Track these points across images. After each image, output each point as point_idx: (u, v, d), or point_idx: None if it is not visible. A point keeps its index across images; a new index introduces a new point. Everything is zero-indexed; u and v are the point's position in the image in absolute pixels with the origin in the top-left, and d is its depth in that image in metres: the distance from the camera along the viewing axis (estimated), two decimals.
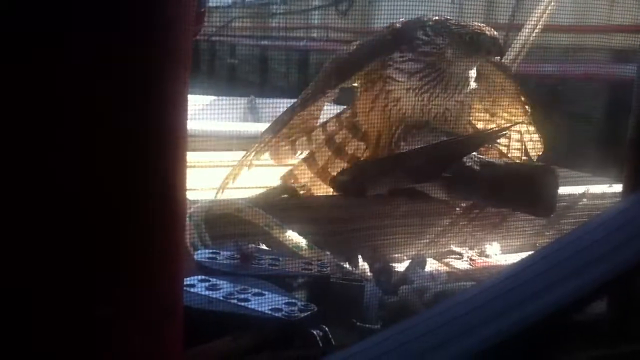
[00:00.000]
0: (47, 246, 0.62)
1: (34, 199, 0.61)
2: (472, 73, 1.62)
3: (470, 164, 1.50)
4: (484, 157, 1.56)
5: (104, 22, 0.62)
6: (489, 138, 1.65)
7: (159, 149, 0.67)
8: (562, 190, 1.70)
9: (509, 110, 1.78)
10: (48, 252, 0.62)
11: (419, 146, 1.57)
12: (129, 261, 0.67)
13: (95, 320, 0.65)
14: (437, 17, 1.59)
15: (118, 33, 0.63)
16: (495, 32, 1.55)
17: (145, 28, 0.64)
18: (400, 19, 1.63)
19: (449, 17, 1.59)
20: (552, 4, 2.02)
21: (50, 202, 0.62)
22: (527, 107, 1.76)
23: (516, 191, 1.52)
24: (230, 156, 1.76)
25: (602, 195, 1.70)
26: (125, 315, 0.66)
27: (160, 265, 0.70)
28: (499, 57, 1.68)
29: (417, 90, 1.59)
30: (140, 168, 0.66)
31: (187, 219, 1.37)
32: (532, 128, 1.81)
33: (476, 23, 1.55)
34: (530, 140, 1.83)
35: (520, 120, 1.79)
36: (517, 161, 1.69)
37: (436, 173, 1.51)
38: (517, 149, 1.84)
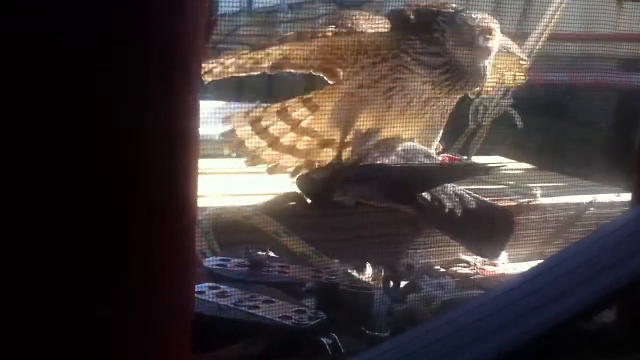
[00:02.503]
0: (51, 247, 0.63)
1: (35, 200, 0.62)
2: (487, 66, 1.59)
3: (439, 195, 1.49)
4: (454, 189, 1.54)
5: (112, 27, 0.62)
6: (471, 171, 1.62)
7: (170, 152, 0.67)
8: (571, 199, 1.71)
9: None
10: (52, 253, 0.63)
11: (394, 161, 1.54)
12: (137, 263, 0.67)
13: (97, 322, 0.65)
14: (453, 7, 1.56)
15: (130, 39, 0.63)
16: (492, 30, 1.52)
17: (156, 35, 0.65)
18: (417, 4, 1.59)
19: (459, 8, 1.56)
20: (559, 13, 2.02)
21: (53, 204, 0.62)
22: (523, 61, 1.77)
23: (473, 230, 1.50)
24: (239, 163, 1.76)
25: (611, 205, 1.69)
26: (133, 318, 0.67)
27: (170, 268, 0.70)
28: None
29: (437, 84, 1.56)
30: (149, 171, 0.66)
31: (198, 226, 1.37)
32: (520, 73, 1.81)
33: (484, 18, 1.52)
34: (513, 75, 1.83)
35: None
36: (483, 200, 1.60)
37: (408, 197, 1.50)
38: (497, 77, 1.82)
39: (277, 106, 1.70)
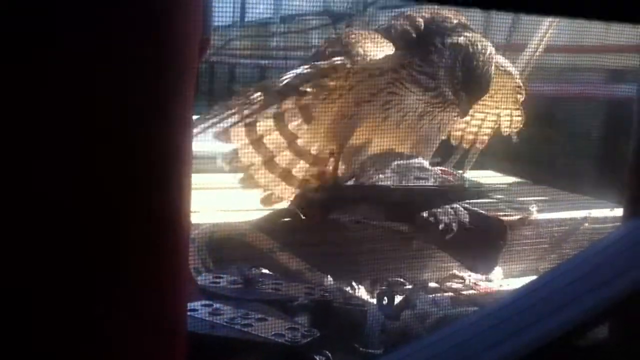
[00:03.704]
0: (47, 249, 0.62)
1: (35, 200, 0.61)
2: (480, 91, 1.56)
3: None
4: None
5: (108, 40, 0.62)
6: (464, 194, 1.61)
7: (162, 167, 0.67)
8: (565, 214, 1.71)
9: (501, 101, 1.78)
10: (47, 255, 0.62)
11: (390, 178, 1.54)
12: (128, 277, 0.67)
13: (95, 327, 0.65)
14: (455, 22, 1.52)
15: (124, 52, 0.63)
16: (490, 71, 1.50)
17: (151, 47, 0.65)
18: (421, 14, 1.56)
19: (465, 27, 1.52)
20: (553, 27, 2.03)
21: (50, 204, 0.62)
22: (519, 94, 1.75)
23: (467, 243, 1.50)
24: (232, 178, 1.75)
25: (604, 220, 1.70)
26: (124, 331, 0.66)
27: (162, 282, 0.70)
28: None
29: (429, 104, 1.55)
30: (143, 184, 0.66)
31: (191, 242, 1.37)
32: (516, 111, 1.80)
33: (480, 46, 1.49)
34: (509, 117, 1.82)
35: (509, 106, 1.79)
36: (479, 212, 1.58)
37: (403, 214, 1.50)
38: (492, 122, 1.84)
39: (274, 108, 1.62)
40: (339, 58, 1.49)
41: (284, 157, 1.66)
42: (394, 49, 1.52)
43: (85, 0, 0.61)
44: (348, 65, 1.50)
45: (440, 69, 1.51)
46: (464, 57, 1.48)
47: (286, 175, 1.67)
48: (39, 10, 0.59)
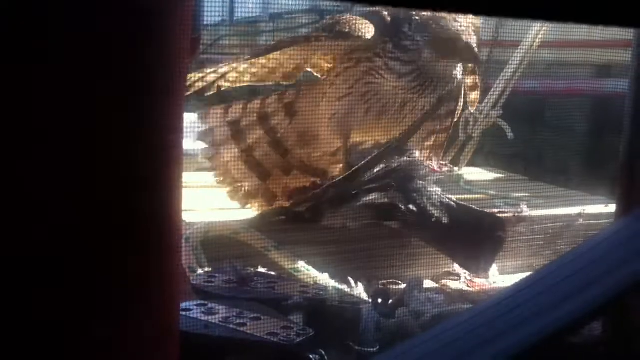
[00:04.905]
0: (38, 258, 0.62)
1: (28, 204, 0.62)
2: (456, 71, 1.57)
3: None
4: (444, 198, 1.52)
5: (99, 40, 0.62)
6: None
7: (154, 166, 0.67)
8: (559, 210, 1.71)
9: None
10: (40, 264, 0.62)
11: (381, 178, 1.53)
12: (123, 277, 0.67)
13: (92, 339, 0.65)
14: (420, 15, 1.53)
15: (114, 52, 0.63)
16: (472, 38, 1.48)
17: (142, 46, 0.65)
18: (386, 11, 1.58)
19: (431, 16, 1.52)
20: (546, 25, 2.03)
21: (42, 210, 0.62)
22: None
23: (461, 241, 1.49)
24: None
25: (598, 216, 1.70)
26: (118, 333, 0.66)
27: (155, 286, 0.70)
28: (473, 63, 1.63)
29: (406, 91, 1.55)
30: (134, 184, 0.66)
31: (184, 241, 1.37)
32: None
33: (456, 24, 1.49)
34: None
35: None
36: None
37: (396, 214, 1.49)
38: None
39: (257, 102, 1.65)
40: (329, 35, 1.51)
41: (261, 151, 1.66)
42: (373, 33, 1.52)
43: (78, 1, 0.62)
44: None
45: (410, 52, 1.51)
46: (428, 29, 1.48)
47: (258, 166, 1.66)
48: (39, 10, 0.59)
